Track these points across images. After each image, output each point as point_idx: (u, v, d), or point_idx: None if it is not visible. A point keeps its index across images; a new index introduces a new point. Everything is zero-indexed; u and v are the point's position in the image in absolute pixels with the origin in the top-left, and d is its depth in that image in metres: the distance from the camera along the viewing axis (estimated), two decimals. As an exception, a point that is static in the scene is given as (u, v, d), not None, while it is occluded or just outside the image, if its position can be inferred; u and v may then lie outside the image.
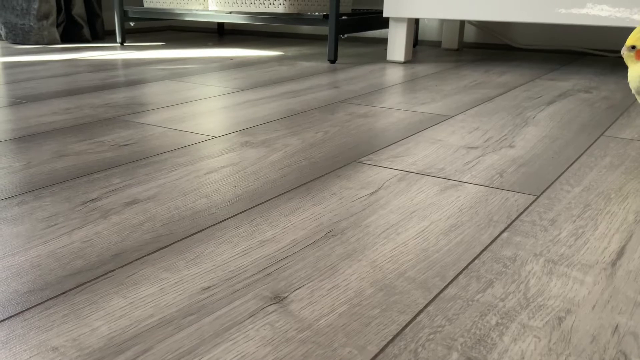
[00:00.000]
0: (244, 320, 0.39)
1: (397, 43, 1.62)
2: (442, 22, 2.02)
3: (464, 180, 0.67)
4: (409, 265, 0.47)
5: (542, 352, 0.36)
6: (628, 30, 1.76)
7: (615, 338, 0.37)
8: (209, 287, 0.43)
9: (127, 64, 1.58)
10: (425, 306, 0.41)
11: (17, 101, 1.08)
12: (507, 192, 0.63)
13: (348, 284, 0.44)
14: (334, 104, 1.07)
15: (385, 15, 1.56)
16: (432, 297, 0.42)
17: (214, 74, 1.41)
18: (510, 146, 0.80)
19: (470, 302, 0.41)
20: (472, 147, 0.80)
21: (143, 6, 2.15)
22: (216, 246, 0.50)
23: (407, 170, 0.70)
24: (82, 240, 0.51)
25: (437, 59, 1.73)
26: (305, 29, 2.35)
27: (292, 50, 1.91)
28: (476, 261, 0.47)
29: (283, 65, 1.57)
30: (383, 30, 2.18)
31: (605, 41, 1.80)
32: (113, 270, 0.45)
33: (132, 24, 2.07)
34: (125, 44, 2.03)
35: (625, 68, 1.55)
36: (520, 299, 0.42)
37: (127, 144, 0.80)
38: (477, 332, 0.38)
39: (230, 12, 1.79)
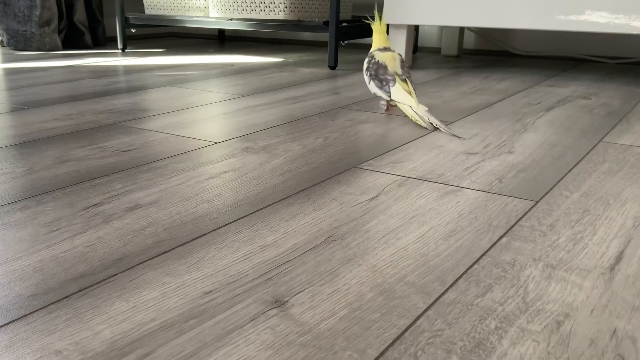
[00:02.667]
0: (245, 324, 0.39)
1: (397, 49, 1.63)
2: (442, 28, 2.03)
3: (464, 185, 0.67)
4: (408, 270, 0.47)
5: (541, 355, 0.36)
6: (627, 37, 1.77)
7: (613, 342, 0.38)
8: (210, 292, 0.43)
9: (129, 70, 1.58)
10: (425, 310, 0.41)
11: (19, 107, 1.08)
12: (507, 198, 0.63)
13: (348, 288, 0.44)
14: (335, 110, 1.08)
15: (385, 21, 1.57)
16: (431, 302, 0.42)
17: (214, 80, 1.42)
18: (510, 152, 0.81)
19: (469, 307, 0.42)
20: (471, 153, 0.80)
21: (144, 13, 2.16)
22: (217, 251, 0.50)
23: (407, 175, 0.71)
24: (85, 245, 0.51)
25: (437, 65, 1.74)
26: (306, 35, 2.36)
27: (293, 57, 1.92)
28: (475, 266, 0.48)
29: (283, 72, 1.58)
30: (383, 37, 2.19)
31: (604, 48, 1.81)
32: (115, 275, 0.46)
33: (133, 30, 2.08)
34: (126, 51, 2.04)
35: (623, 75, 1.56)
36: (519, 303, 0.42)
37: (129, 150, 0.81)
38: (477, 336, 0.38)
39: (231, 19, 1.80)
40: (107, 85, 1.34)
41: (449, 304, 0.42)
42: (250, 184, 0.67)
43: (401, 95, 0.98)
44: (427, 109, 0.95)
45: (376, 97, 1.20)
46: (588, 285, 0.45)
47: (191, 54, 1.96)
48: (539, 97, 1.23)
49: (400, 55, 1.05)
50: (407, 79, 1.01)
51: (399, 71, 1.02)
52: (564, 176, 0.71)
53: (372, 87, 1.04)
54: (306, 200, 0.62)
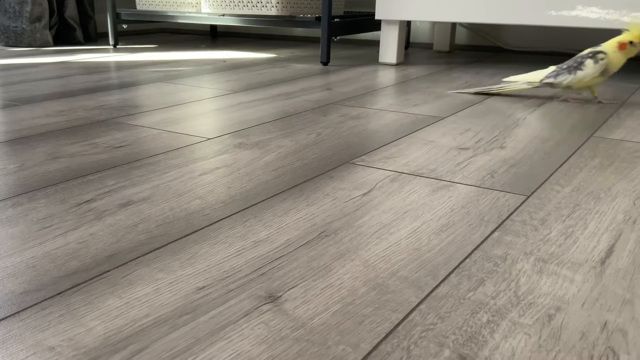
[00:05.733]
0: (239, 320, 0.39)
1: (389, 45, 1.63)
2: (434, 24, 2.03)
3: (456, 180, 0.67)
4: (401, 265, 0.47)
5: (533, 348, 0.37)
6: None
7: (604, 335, 0.38)
8: (203, 287, 0.44)
9: (120, 66, 1.58)
10: (418, 304, 0.41)
11: (10, 103, 1.08)
12: (498, 192, 0.64)
13: (341, 283, 0.44)
14: (327, 106, 1.08)
15: (377, 17, 1.57)
16: (424, 296, 0.42)
17: (207, 76, 1.41)
18: (501, 147, 0.81)
19: (461, 301, 0.42)
20: (463, 148, 0.80)
21: (136, 8, 2.15)
22: (210, 247, 0.50)
23: (400, 171, 0.71)
24: (77, 241, 0.51)
25: (429, 61, 1.74)
26: (298, 31, 2.36)
27: (285, 53, 1.92)
28: (467, 260, 0.48)
29: (276, 68, 1.57)
30: (375, 33, 2.19)
31: (595, 43, 1.81)
32: (108, 271, 0.46)
33: (124, 26, 2.07)
34: (118, 47, 2.03)
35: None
36: (511, 297, 0.42)
37: (121, 146, 0.80)
38: (469, 329, 0.39)
39: (223, 15, 1.79)
40: (98, 81, 1.33)
41: (442, 298, 0.42)
42: (243, 179, 0.67)
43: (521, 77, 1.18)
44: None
45: (369, 94, 1.20)
46: (579, 279, 0.45)
47: (183, 50, 1.96)
48: (530, 92, 1.23)
49: (592, 56, 1.10)
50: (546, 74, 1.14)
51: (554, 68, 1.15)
52: (555, 171, 0.71)
53: None
54: (299, 195, 0.62)
